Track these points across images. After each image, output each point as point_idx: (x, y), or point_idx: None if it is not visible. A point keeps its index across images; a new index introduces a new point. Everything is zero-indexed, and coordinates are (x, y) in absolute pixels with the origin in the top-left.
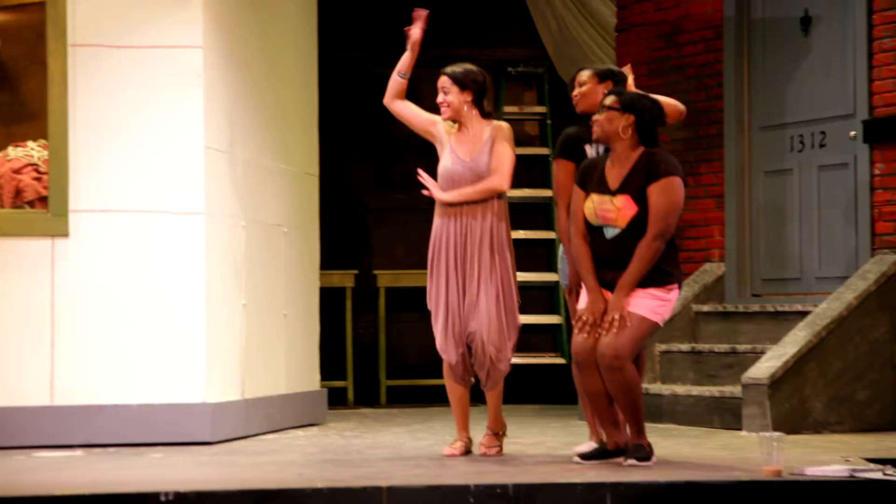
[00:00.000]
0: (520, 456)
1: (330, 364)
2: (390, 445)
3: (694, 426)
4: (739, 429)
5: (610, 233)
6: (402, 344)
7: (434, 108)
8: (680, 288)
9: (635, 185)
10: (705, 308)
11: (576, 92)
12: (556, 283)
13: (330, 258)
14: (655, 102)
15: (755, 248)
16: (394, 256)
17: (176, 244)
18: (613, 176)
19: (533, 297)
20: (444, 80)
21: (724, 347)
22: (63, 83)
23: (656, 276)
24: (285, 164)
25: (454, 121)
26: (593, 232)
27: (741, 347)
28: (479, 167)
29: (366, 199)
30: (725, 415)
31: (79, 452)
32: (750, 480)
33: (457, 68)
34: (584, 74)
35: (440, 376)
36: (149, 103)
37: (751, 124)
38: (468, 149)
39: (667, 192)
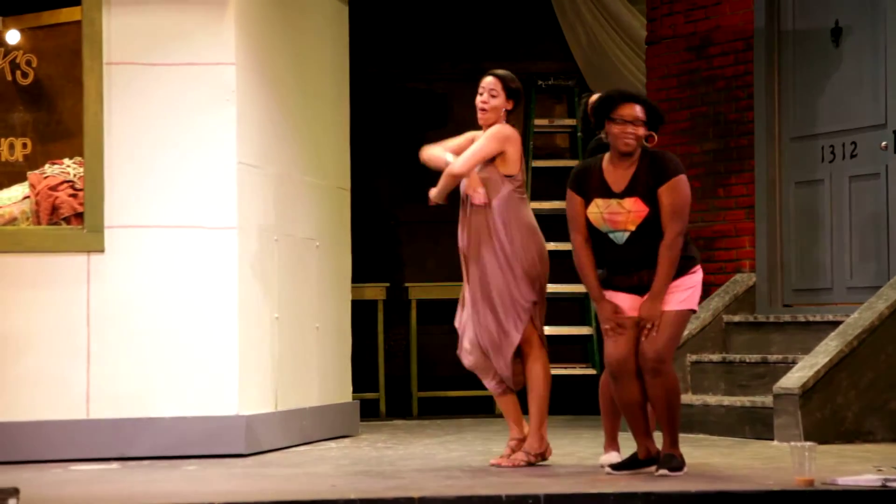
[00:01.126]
0: (551, 466)
1: (362, 376)
2: (422, 456)
3: (725, 436)
4: (771, 439)
5: (620, 238)
6: (433, 356)
7: (461, 120)
8: (701, 265)
9: (644, 187)
10: (736, 318)
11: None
12: (586, 294)
13: (362, 271)
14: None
15: (786, 258)
16: (425, 269)
17: (209, 259)
18: (616, 178)
19: (563, 309)
20: (493, 82)
21: (755, 358)
22: (98, 101)
23: (680, 266)
24: (317, 178)
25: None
26: (601, 240)
27: (772, 358)
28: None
29: (397, 213)
30: (757, 425)
31: (114, 465)
32: (782, 490)
33: (507, 74)
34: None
35: (471, 388)
36: (182, 120)
37: (781, 135)
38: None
39: (679, 191)
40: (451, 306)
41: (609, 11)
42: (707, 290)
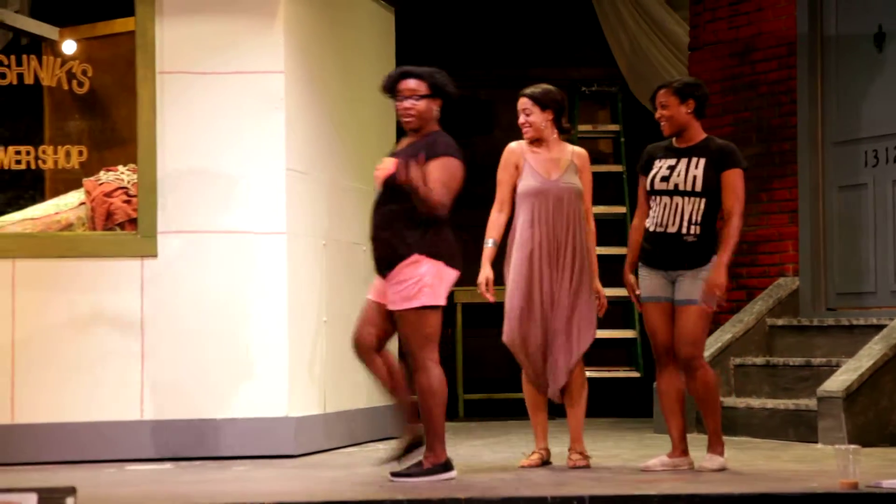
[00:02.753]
0: (596, 468)
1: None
2: (468, 458)
3: (769, 439)
4: (815, 441)
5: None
6: (479, 359)
7: (507, 126)
8: (432, 258)
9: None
10: (780, 322)
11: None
12: (628, 298)
13: None
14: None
15: (829, 262)
16: (471, 274)
17: (259, 263)
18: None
19: (607, 312)
20: (525, 102)
21: (798, 361)
22: (151, 109)
23: (398, 255)
24: (364, 183)
25: (535, 140)
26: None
27: (816, 361)
28: (566, 187)
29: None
30: (801, 427)
31: (167, 466)
32: (826, 493)
33: (535, 89)
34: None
35: (516, 390)
36: (232, 127)
37: (824, 140)
38: (551, 168)
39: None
40: (496, 311)
41: (652, 17)
42: (751, 294)
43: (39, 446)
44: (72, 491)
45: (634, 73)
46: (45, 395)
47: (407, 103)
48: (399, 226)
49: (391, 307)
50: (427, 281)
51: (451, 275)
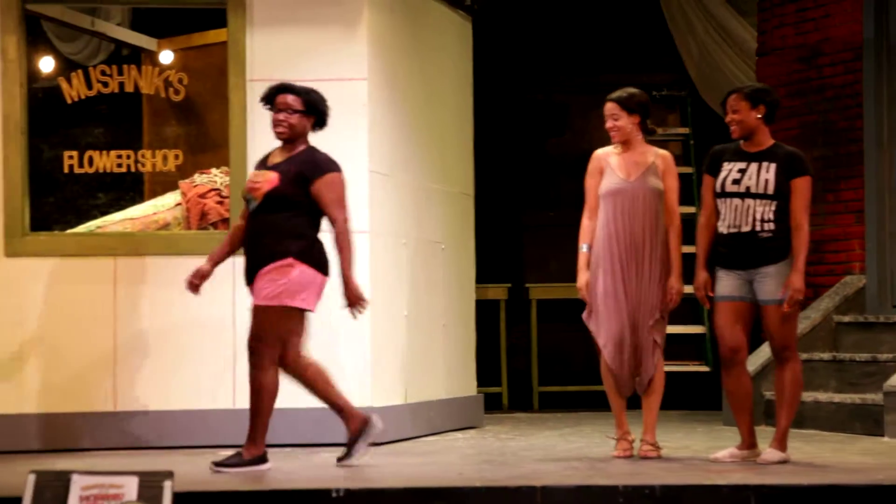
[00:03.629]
0: (666, 458)
1: (486, 371)
2: (543, 447)
3: (836, 432)
4: (881, 435)
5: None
6: (552, 352)
7: (579, 129)
8: (305, 263)
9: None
10: (846, 319)
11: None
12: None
13: (485, 273)
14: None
15: (895, 260)
16: (545, 271)
17: None
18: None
19: (678, 308)
20: (612, 107)
21: (865, 356)
22: (242, 115)
23: (269, 255)
24: (443, 185)
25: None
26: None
27: (882, 357)
28: (643, 187)
29: (520, 217)
30: (867, 421)
31: None
32: (893, 485)
33: (622, 94)
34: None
35: (588, 383)
36: (318, 132)
37: (890, 142)
38: (631, 169)
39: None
40: (569, 306)
41: (720, 24)
42: (817, 292)
43: (139, 433)
44: (169, 475)
45: (703, 77)
46: (143, 385)
47: (281, 115)
48: (280, 233)
49: (256, 301)
50: (296, 286)
51: (323, 281)
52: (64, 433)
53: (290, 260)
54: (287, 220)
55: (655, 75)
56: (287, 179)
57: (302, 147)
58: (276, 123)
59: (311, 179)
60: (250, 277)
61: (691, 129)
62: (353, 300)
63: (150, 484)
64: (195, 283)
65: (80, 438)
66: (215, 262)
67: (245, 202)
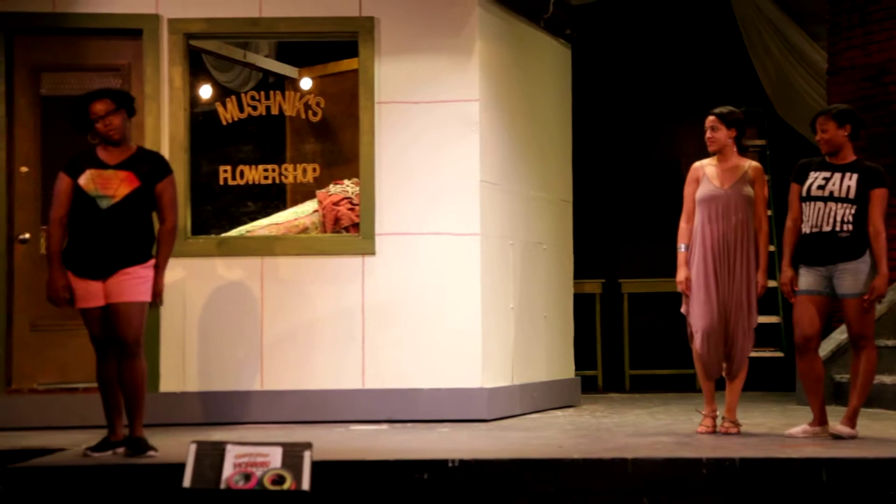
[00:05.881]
0: (745, 434)
1: (583, 356)
2: (634, 424)
3: None
4: None
5: None
6: (642, 340)
7: (665, 143)
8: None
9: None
10: None
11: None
12: (775, 287)
13: (582, 269)
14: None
15: None
16: (635, 267)
17: (458, 259)
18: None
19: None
20: (713, 120)
21: None
22: (371, 133)
23: (137, 255)
24: (545, 192)
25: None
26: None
27: None
28: (735, 194)
29: (613, 221)
30: None
31: (384, 427)
32: None
33: (723, 109)
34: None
35: (675, 367)
36: (436, 147)
37: None
38: (725, 179)
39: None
40: (657, 299)
41: (794, 47)
42: None
43: (282, 409)
44: (309, 445)
45: (778, 95)
46: (286, 367)
47: (104, 122)
48: (137, 233)
49: (122, 299)
50: (150, 282)
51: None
52: (219, 409)
53: (152, 261)
54: (141, 220)
55: (734, 93)
56: (143, 179)
57: (133, 145)
58: (102, 130)
59: (160, 178)
60: (105, 272)
61: (767, 142)
62: (159, 292)
63: (292, 453)
64: (65, 296)
65: (233, 413)
66: (60, 265)
67: (90, 200)
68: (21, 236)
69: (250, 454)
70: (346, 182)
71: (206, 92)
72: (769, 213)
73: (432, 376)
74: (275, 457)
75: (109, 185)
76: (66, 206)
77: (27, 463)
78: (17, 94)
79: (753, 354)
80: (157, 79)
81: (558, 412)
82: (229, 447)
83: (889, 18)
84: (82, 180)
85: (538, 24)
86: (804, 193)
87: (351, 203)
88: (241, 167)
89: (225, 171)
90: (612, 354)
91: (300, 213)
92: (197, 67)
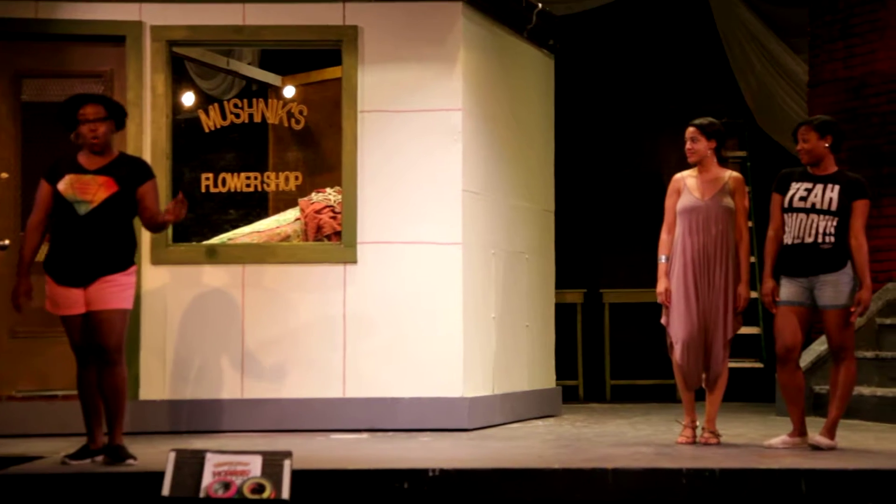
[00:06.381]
0: (725, 445)
1: (564, 366)
2: (614, 434)
3: (878, 422)
4: None
5: None
6: (623, 349)
7: (648, 152)
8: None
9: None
10: (888, 321)
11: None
12: (755, 299)
13: (563, 279)
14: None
15: None
16: (617, 278)
17: (439, 268)
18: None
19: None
20: (693, 131)
21: None
22: (353, 141)
23: (118, 262)
24: (527, 202)
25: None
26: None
27: None
28: (716, 205)
29: (595, 231)
30: None
31: (365, 436)
32: None
33: (703, 121)
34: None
35: (656, 377)
36: (418, 156)
37: None
38: (705, 190)
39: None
40: (638, 309)
41: (775, 59)
42: None
43: (263, 417)
44: (289, 454)
45: (760, 107)
46: (267, 375)
47: (89, 127)
48: (118, 239)
49: (103, 306)
50: (131, 289)
51: None
52: (199, 417)
53: (134, 268)
54: (122, 226)
55: (715, 105)
56: (122, 183)
57: (115, 151)
58: (85, 134)
59: (141, 182)
60: (85, 279)
61: (748, 153)
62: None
63: (272, 462)
64: (24, 302)
65: (213, 421)
66: (28, 271)
67: (69, 206)
68: (1, 243)
69: (230, 462)
70: (329, 190)
71: (188, 99)
72: (750, 224)
73: (413, 385)
74: (255, 465)
75: (87, 190)
76: (43, 212)
77: (5, 471)
78: None
79: (733, 365)
80: (139, 86)
81: (539, 422)
82: (209, 455)
83: (870, 31)
84: (61, 185)
85: (521, 34)
86: (786, 204)
87: (333, 211)
88: (223, 175)
89: (207, 178)
90: (593, 364)
91: (282, 221)
92: (180, 74)
